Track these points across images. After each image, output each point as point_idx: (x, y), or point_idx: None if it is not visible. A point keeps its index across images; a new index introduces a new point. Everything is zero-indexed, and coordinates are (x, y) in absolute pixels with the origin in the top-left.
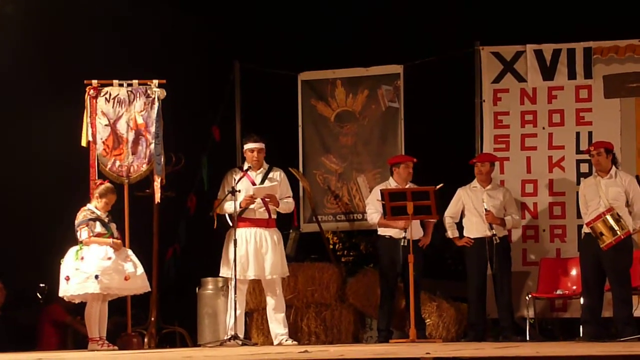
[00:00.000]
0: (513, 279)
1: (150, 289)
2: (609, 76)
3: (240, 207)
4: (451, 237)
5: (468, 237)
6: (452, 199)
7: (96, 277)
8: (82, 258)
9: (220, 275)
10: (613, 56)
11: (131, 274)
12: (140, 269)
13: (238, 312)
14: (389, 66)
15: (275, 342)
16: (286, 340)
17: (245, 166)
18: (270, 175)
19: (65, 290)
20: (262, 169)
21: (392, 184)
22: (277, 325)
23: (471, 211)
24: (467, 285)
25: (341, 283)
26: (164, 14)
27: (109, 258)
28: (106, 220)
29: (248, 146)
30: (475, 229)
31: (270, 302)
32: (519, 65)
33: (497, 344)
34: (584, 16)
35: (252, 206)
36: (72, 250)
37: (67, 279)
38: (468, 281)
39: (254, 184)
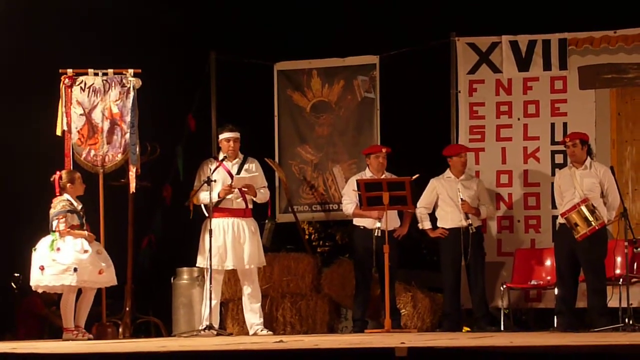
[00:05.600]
0: (488, 270)
1: (116, 283)
2: (584, 67)
3: (219, 197)
4: (424, 228)
5: (443, 228)
6: (425, 190)
7: (75, 269)
8: (58, 249)
9: (197, 265)
10: (588, 47)
11: (104, 267)
12: (111, 263)
13: (214, 302)
14: (365, 57)
15: (251, 332)
16: (261, 331)
17: (221, 156)
18: (246, 166)
19: (39, 280)
20: (237, 159)
21: (367, 174)
22: (253, 315)
23: (445, 201)
24: (442, 275)
25: (316, 273)
26: (139, 2)
27: (86, 251)
28: (81, 212)
29: (224, 136)
30: (450, 219)
31: (246, 291)
32: (495, 56)
33: (471, 334)
34: (559, 7)
35: (230, 196)
36: (47, 240)
37: (42, 268)
38: (442, 272)
39: (230, 174)
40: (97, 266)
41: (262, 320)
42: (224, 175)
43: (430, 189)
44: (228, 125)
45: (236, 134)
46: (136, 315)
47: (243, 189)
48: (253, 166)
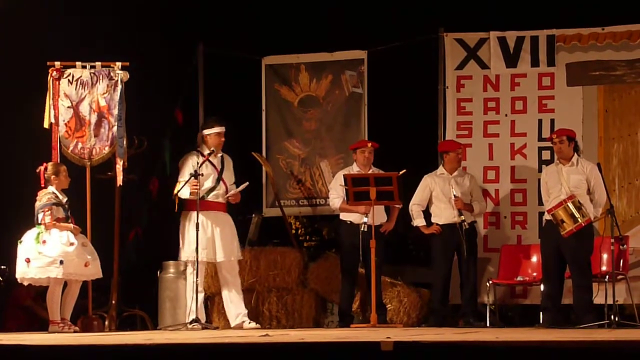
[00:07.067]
0: None
1: (102, 276)
2: (571, 64)
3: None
4: (418, 225)
5: (437, 224)
6: (419, 187)
7: (61, 262)
8: (43, 242)
9: (183, 259)
10: (576, 44)
11: (90, 260)
12: (96, 256)
13: (200, 295)
14: (353, 51)
15: (236, 321)
16: (249, 323)
17: (206, 150)
18: (226, 162)
19: (25, 272)
20: (219, 154)
21: (355, 169)
22: (239, 305)
23: (439, 198)
24: (433, 271)
25: (303, 268)
26: None
27: (72, 244)
28: (66, 205)
29: (214, 130)
30: (444, 215)
31: (231, 283)
32: (483, 52)
33: (457, 330)
34: (547, 4)
35: (217, 191)
36: (32, 233)
37: (28, 261)
38: (434, 267)
39: (217, 169)
40: (82, 259)
41: (246, 310)
42: (212, 170)
43: (423, 186)
44: (213, 118)
45: (224, 128)
46: (122, 309)
47: (229, 197)
48: (230, 163)
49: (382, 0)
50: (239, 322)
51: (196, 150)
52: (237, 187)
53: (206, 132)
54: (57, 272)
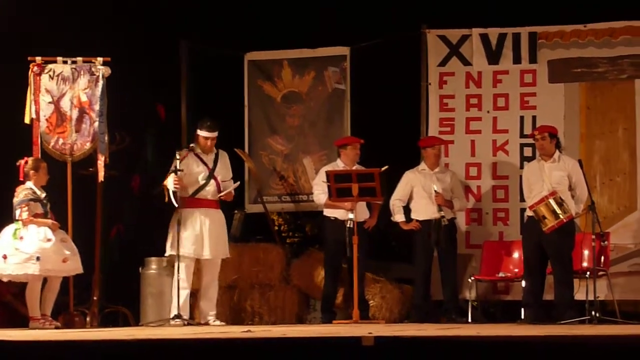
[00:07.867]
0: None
1: (82, 271)
2: (553, 61)
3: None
4: (398, 221)
5: (416, 220)
6: (400, 182)
7: (37, 258)
8: (21, 238)
9: (169, 254)
10: (558, 41)
11: (69, 256)
12: (76, 251)
13: (186, 291)
14: (335, 48)
15: (204, 319)
16: (214, 321)
17: (197, 149)
18: (220, 159)
19: (2, 269)
20: (212, 152)
21: (339, 165)
22: (210, 305)
23: (419, 194)
24: (414, 267)
25: (285, 264)
26: None
27: (49, 240)
28: (45, 201)
29: (203, 134)
30: (423, 211)
31: (211, 281)
32: (465, 49)
33: (439, 325)
34: (529, 1)
35: (207, 188)
36: (10, 229)
37: (5, 257)
38: (415, 263)
39: (207, 166)
40: (60, 254)
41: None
42: (203, 168)
43: (404, 182)
44: (207, 122)
45: (215, 134)
46: (104, 305)
47: (221, 196)
48: (226, 160)
49: None
50: (205, 320)
51: (189, 147)
52: (234, 182)
53: (198, 132)
54: (34, 268)
